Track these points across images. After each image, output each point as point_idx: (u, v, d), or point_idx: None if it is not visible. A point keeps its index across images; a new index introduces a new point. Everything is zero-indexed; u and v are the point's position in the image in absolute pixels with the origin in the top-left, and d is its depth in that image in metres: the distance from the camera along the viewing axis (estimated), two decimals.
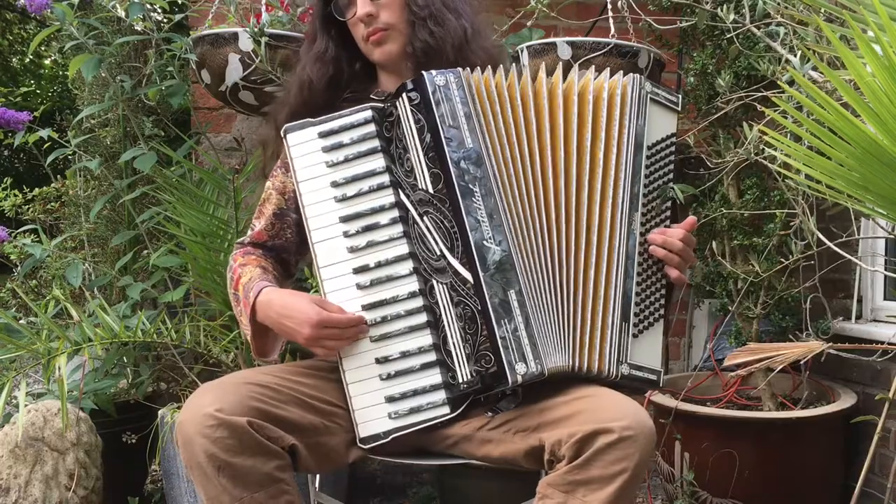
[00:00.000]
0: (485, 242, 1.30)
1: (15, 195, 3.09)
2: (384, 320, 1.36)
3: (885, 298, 2.45)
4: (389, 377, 1.35)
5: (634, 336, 1.39)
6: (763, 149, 2.05)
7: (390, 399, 1.35)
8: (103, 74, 2.58)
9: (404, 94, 1.35)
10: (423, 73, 1.34)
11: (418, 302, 1.35)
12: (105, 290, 2.75)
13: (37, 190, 3.14)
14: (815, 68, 1.83)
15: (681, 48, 2.60)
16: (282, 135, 1.41)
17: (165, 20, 2.46)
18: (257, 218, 1.60)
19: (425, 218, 1.34)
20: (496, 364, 1.28)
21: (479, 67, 1.39)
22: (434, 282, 1.34)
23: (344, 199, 1.38)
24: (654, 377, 1.41)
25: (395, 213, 1.37)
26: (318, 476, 1.66)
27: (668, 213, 1.46)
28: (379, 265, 1.36)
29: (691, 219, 1.45)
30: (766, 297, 2.34)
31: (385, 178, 1.38)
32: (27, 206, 3.11)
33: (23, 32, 8.38)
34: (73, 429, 2.16)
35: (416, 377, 1.35)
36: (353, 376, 1.36)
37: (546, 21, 2.40)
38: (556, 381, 1.34)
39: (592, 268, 1.37)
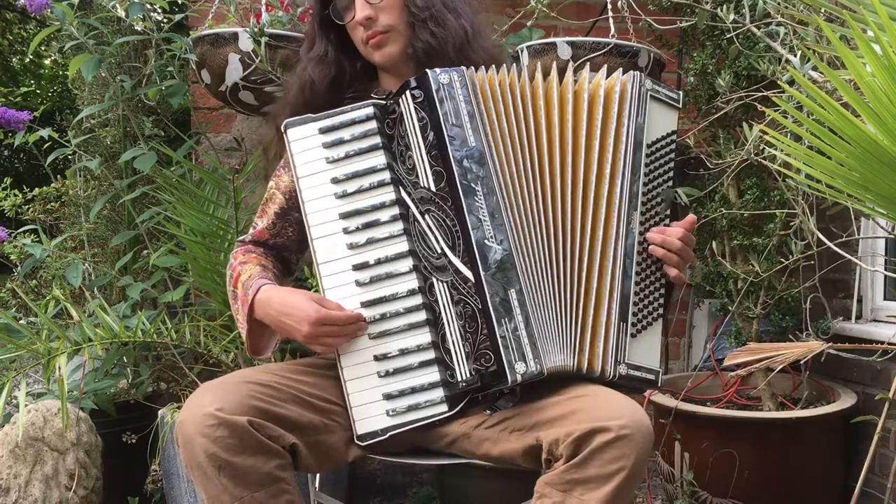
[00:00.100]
0: (486, 241, 1.30)
1: (15, 195, 3.09)
2: (383, 317, 1.36)
3: (885, 298, 2.45)
4: (388, 374, 1.35)
5: (633, 336, 1.39)
6: (763, 149, 2.05)
7: (388, 396, 1.35)
8: (103, 74, 2.58)
9: (408, 92, 1.35)
10: (427, 71, 1.34)
11: (418, 300, 1.35)
12: (105, 290, 2.75)
13: (37, 190, 3.14)
14: (815, 68, 1.83)
15: (681, 48, 2.60)
16: (282, 130, 1.41)
17: (165, 20, 2.46)
18: (259, 217, 1.60)
19: (426, 216, 1.34)
20: (496, 363, 1.28)
21: (482, 67, 1.39)
22: (434, 280, 1.34)
23: (344, 195, 1.38)
24: (652, 377, 1.41)
25: (396, 211, 1.37)
26: (318, 476, 1.66)
27: (668, 211, 1.46)
28: (379, 262, 1.36)
29: (691, 217, 1.45)
30: (766, 297, 2.34)
31: (386, 175, 1.38)
32: (27, 206, 3.11)
33: (23, 32, 8.39)
34: (73, 429, 2.16)
35: (415, 375, 1.35)
36: (351, 373, 1.36)
37: (546, 21, 2.41)
38: (554, 380, 1.34)
39: (588, 267, 1.37)
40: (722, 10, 2.08)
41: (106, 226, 2.80)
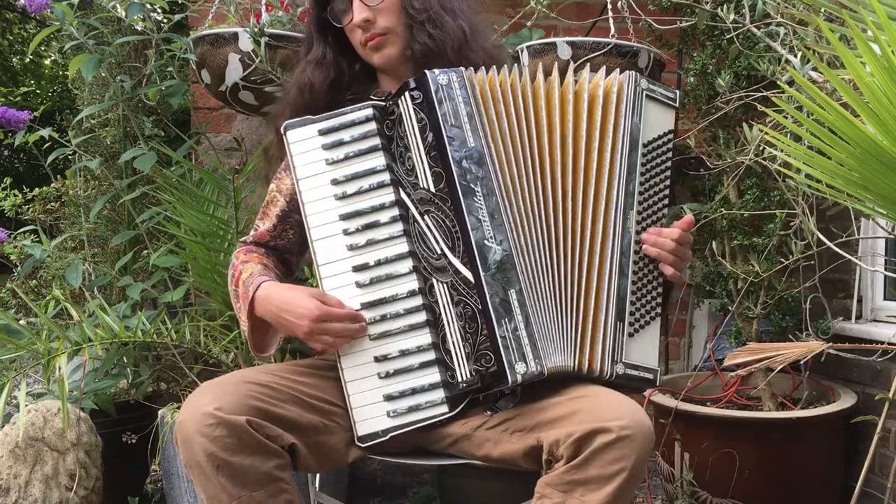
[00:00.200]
0: (486, 242, 1.30)
1: (15, 195, 3.09)
2: (383, 318, 1.36)
3: (885, 298, 2.45)
4: (388, 375, 1.35)
5: (630, 335, 1.39)
6: (763, 149, 2.05)
7: (389, 397, 1.35)
8: (103, 74, 2.58)
9: (407, 93, 1.35)
10: (427, 72, 1.35)
11: (418, 300, 1.35)
12: (105, 290, 2.75)
13: (37, 190, 3.14)
14: (815, 68, 1.83)
15: (681, 48, 2.60)
16: (282, 132, 1.41)
17: (165, 20, 2.46)
18: (261, 219, 1.60)
19: (426, 217, 1.35)
20: (496, 363, 1.28)
21: (482, 67, 1.39)
22: (434, 280, 1.34)
23: (344, 196, 1.38)
24: (650, 376, 1.41)
25: (396, 212, 1.37)
26: (318, 476, 1.66)
27: (666, 210, 1.46)
28: (378, 263, 1.37)
29: (688, 217, 1.45)
30: (766, 297, 2.34)
31: (385, 177, 1.38)
32: (27, 206, 3.11)
33: (23, 32, 8.39)
34: (73, 429, 2.16)
35: (415, 376, 1.35)
36: (351, 374, 1.36)
37: (546, 21, 2.40)
38: (554, 380, 1.34)
39: (586, 267, 1.37)
40: (722, 10, 2.08)
41: (106, 226, 2.80)
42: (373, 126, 1.39)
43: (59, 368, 2.04)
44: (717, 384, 2.51)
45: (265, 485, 1.26)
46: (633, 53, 2.18)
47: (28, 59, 8.22)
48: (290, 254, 1.61)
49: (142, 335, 2.16)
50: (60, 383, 2.02)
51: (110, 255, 2.78)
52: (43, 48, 7.14)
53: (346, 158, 1.39)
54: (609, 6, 2.34)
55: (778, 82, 1.97)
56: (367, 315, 1.36)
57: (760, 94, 2.11)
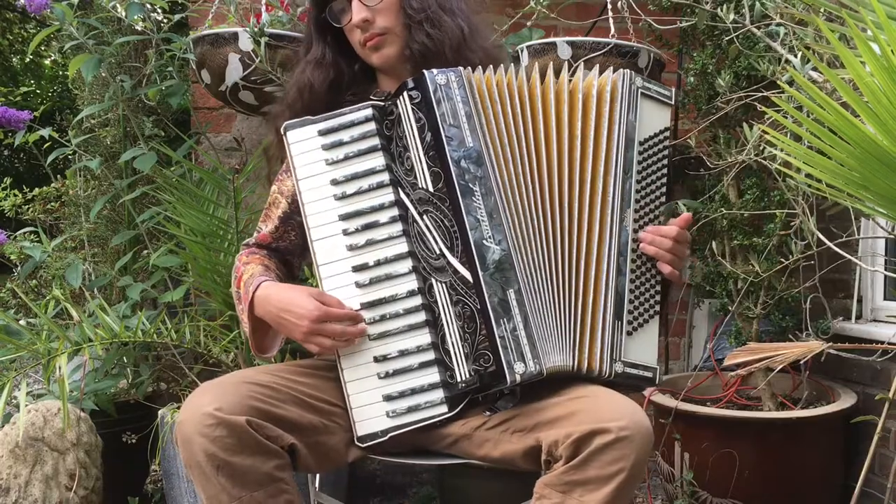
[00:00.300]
0: (484, 242, 1.30)
1: (15, 195, 3.09)
2: (383, 318, 1.36)
3: (885, 298, 2.45)
4: (388, 376, 1.35)
5: (629, 333, 1.39)
6: (763, 149, 2.05)
7: (388, 398, 1.35)
8: (103, 74, 2.58)
9: (405, 93, 1.35)
10: (425, 71, 1.34)
11: (417, 301, 1.35)
12: (105, 290, 2.75)
13: (37, 190, 3.14)
14: (814, 68, 1.83)
15: (681, 48, 2.60)
16: (282, 132, 1.41)
17: (165, 20, 2.46)
18: (263, 221, 1.61)
19: (425, 217, 1.35)
20: (495, 363, 1.28)
21: (479, 67, 1.39)
22: (433, 280, 1.34)
23: (343, 197, 1.38)
24: (649, 374, 1.40)
25: (395, 212, 1.37)
26: (318, 476, 1.66)
27: (664, 208, 1.45)
28: (378, 263, 1.37)
29: (686, 215, 1.45)
30: (766, 297, 2.34)
31: (385, 177, 1.38)
32: (27, 206, 3.11)
33: (23, 32, 8.39)
34: (73, 429, 2.16)
35: (415, 376, 1.35)
36: (351, 375, 1.36)
37: (546, 21, 2.40)
38: (553, 380, 1.34)
39: (584, 265, 1.37)
40: (722, 11, 2.08)
41: (106, 226, 2.81)
42: (372, 126, 1.39)
43: (59, 368, 2.04)
44: (717, 384, 2.51)
45: (265, 485, 1.26)
46: (633, 53, 2.18)
47: (28, 59, 8.22)
48: (291, 255, 1.62)
49: (142, 335, 2.16)
50: (60, 383, 2.02)
51: (110, 255, 2.78)
52: (43, 48, 7.15)
53: (346, 159, 1.39)
54: (609, 6, 2.34)
55: (778, 82, 1.97)
56: (367, 315, 1.36)
57: (760, 94, 2.11)
